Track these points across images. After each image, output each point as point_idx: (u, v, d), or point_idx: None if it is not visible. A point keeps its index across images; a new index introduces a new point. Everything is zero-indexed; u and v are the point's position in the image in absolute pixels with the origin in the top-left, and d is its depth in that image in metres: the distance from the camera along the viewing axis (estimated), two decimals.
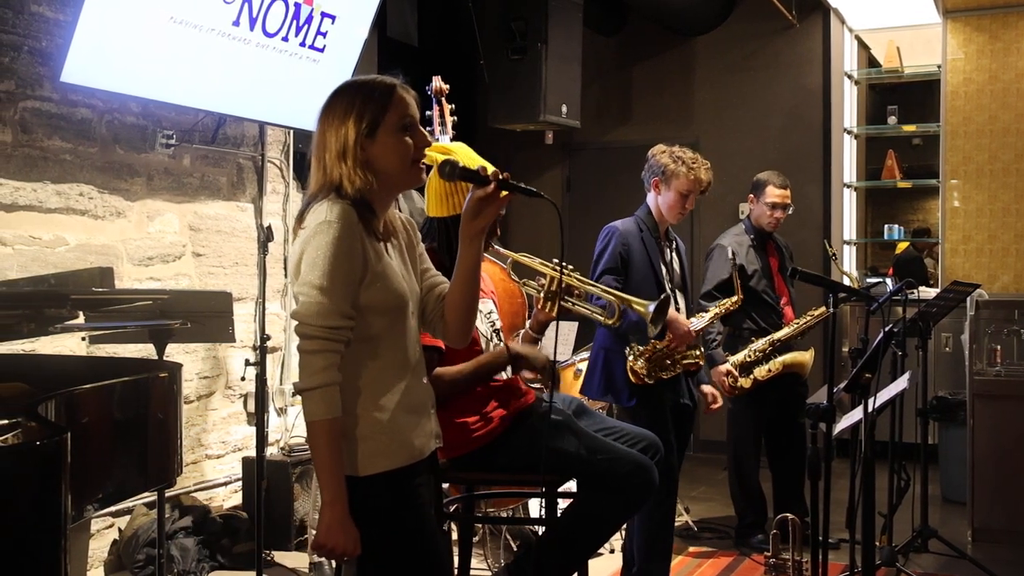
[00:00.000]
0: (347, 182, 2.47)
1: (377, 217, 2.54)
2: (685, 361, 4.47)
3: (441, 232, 3.39)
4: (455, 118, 4.82)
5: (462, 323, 2.70)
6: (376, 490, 2.47)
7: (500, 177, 2.54)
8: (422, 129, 2.59)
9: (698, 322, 4.54)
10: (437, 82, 4.77)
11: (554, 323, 3.33)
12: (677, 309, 4.50)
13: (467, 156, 3.28)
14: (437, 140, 4.71)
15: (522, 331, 3.50)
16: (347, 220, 2.42)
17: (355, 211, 2.45)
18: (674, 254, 4.61)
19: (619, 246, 4.43)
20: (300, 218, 2.52)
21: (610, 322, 3.56)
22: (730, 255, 5.04)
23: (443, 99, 4.78)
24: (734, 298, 4.78)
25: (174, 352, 4.67)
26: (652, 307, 3.49)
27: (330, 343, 2.41)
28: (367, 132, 2.49)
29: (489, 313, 3.54)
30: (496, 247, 3.52)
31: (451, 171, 2.58)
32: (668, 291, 4.46)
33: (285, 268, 6.12)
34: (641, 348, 4.36)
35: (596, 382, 4.55)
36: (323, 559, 4.85)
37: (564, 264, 3.18)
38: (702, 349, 4.54)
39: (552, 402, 3.49)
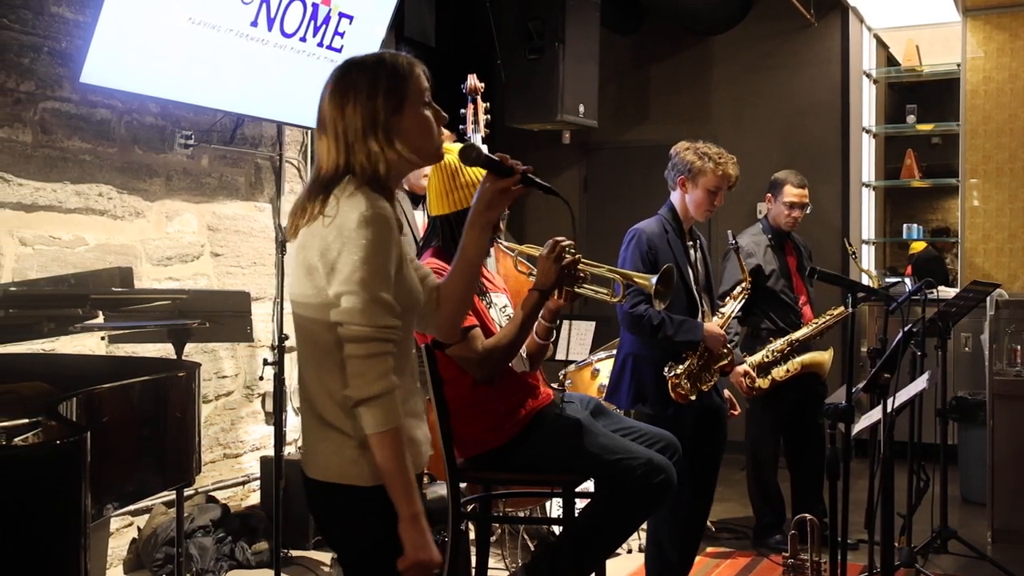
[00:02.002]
0: (379, 160, 2.35)
1: (393, 205, 2.40)
2: (719, 364, 4.38)
3: (445, 230, 3.39)
4: (488, 116, 4.78)
5: (456, 315, 2.64)
6: (384, 501, 2.30)
7: (522, 170, 2.52)
8: (435, 105, 2.48)
9: (721, 321, 4.47)
10: (472, 80, 4.73)
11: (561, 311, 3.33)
12: (703, 312, 4.43)
13: None
14: (468, 139, 4.70)
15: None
16: (387, 213, 2.30)
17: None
18: (698, 252, 4.53)
19: (646, 250, 4.30)
20: (324, 197, 2.33)
21: (616, 300, 3.53)
22: (731, 240, 4.87)
23: (478, 98, 4.73)
24: (743, 284, 4.68)
25: (193, 352, 4.69)
26: (655, 280, 3.45)
27: (386, 344, 2.28)
28: (395, 107, 2.37)
29: (504, 307, 3.54)
30: (501, 241, 3.52)
31: (476, 156, 2.53)
32: (695, 295, 4.41)
33: None
34: (680, 368, 4.26)
35: (625, 391, 4.39)
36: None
37: (571, 247, 3.17)
38: (728, 347, 4.45)
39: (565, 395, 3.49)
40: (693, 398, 4.26)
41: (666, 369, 4.25)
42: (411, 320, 2.43)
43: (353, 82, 2.38)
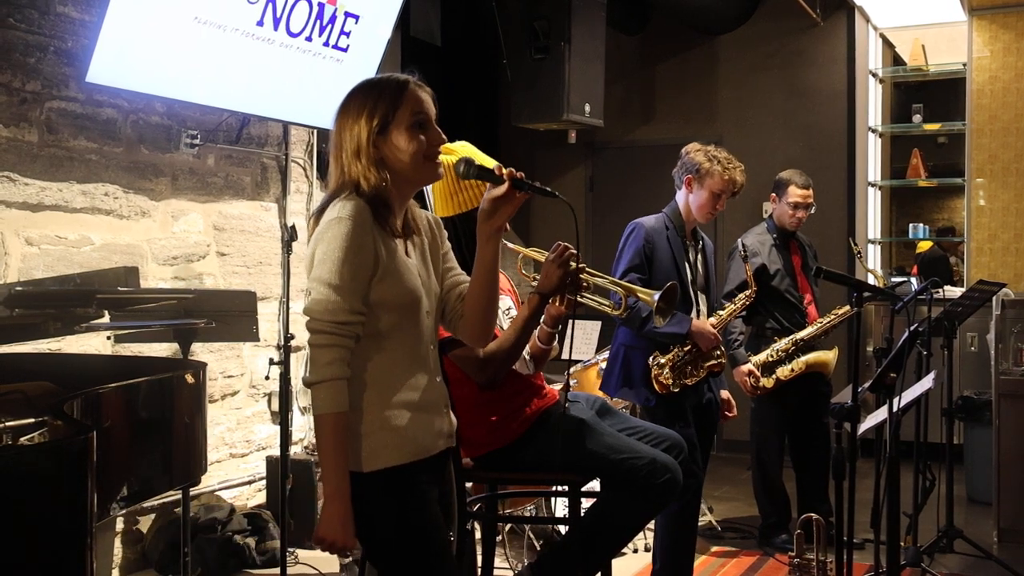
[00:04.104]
0: (363, 180, 2.50)
1: (394, 214, 2.55)
2: (708, 363, 4.42)
3: (448, 231, 3.40)
4: None
5: (481, 322, 2.71)
6: (379, 486, 2.47)
7: (515, 176, 2.55)
8: (436, 126, 2.59)
9: (716, 321, 4.51)
10: None
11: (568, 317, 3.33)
12: (698, 312, 4.46)
13: (473, 155, 3.28)
14: None
15: (536, 329, 3.49)
16: (358, 216, 2.45)
17: (369, 208, 2.48)
18: (699, 254, 4.56)
19: (644, 243, 4.37)
20: (318, 215, 2.54)
21: (617, 313, 3.56)
22: (741, 250, 4.98)
23: None
24: (747, 291, 4.74)
25: (199, 351, 4.69)
26: (657, 296, 3.46)
27: (338, 338, 2.45)
28: (379, 130, 2.51)
29: (508, 310, 3.54)
30: (506, 243, 3.53)
31: (467, 169, 2.61)
32: (691, 292, 4.44)
33: None
34: (664, 358, 4.33)
35: (615, 379, 4.51)
36: (354, 558, 4.86)
37: (577, 255, 3.17)
38: (722, 349, 4.49)
39: (568, 396, 3.49)
40: (675, 390, 4.33)
41: (651, 359, 4.33)
42: (404, 316, 2.55)
43: (348, 107, 2.56)
